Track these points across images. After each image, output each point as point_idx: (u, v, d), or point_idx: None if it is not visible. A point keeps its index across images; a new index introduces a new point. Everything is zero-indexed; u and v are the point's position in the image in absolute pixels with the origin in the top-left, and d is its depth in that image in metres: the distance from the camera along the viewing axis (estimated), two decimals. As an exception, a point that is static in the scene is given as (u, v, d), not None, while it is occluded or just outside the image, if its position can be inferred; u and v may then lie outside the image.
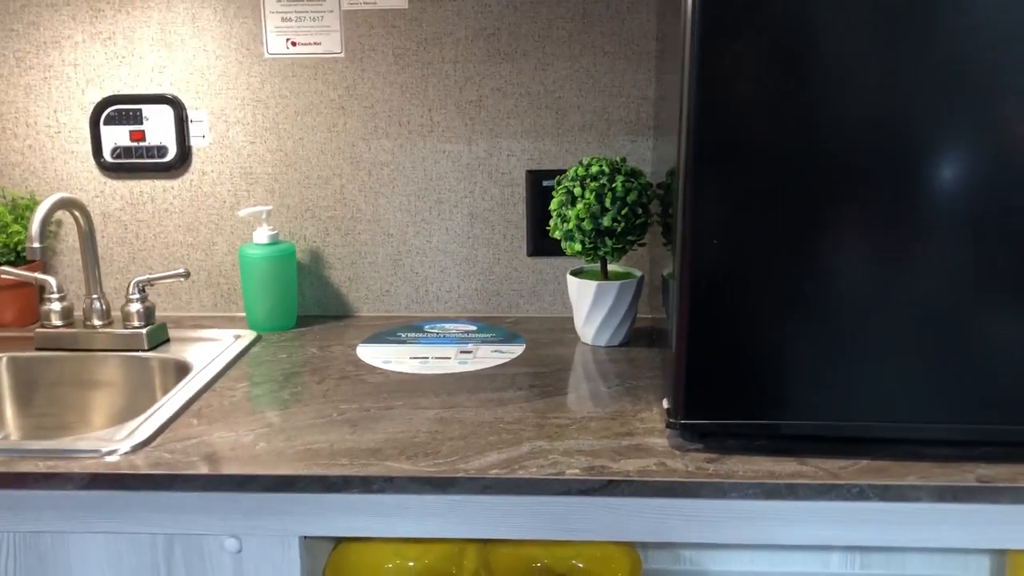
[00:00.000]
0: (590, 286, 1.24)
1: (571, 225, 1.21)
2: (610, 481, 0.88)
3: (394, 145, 1.37)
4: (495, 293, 1.42)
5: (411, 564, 1.12)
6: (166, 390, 1.24)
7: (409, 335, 1.33)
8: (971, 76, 0.82)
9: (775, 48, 0.83)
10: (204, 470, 0.90)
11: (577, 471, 0.89)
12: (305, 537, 0.95)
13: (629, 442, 0.96)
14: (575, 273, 1.29)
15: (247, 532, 0.93)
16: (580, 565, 1.12)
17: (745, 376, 0.90)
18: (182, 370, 1.22)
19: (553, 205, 1.24)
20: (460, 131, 1.36)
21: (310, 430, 1.00)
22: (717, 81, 0.84)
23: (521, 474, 0.89)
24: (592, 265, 1.33)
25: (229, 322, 1.40)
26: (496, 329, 1.35)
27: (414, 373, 1.17)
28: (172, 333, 1.34)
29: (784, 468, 0.89)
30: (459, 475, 0.89)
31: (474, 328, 1.36)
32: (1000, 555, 1.12)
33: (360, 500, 0.92)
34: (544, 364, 1.20)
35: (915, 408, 0.90)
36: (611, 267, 1.32)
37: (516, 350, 1.26)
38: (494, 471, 0.89)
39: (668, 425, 0.94)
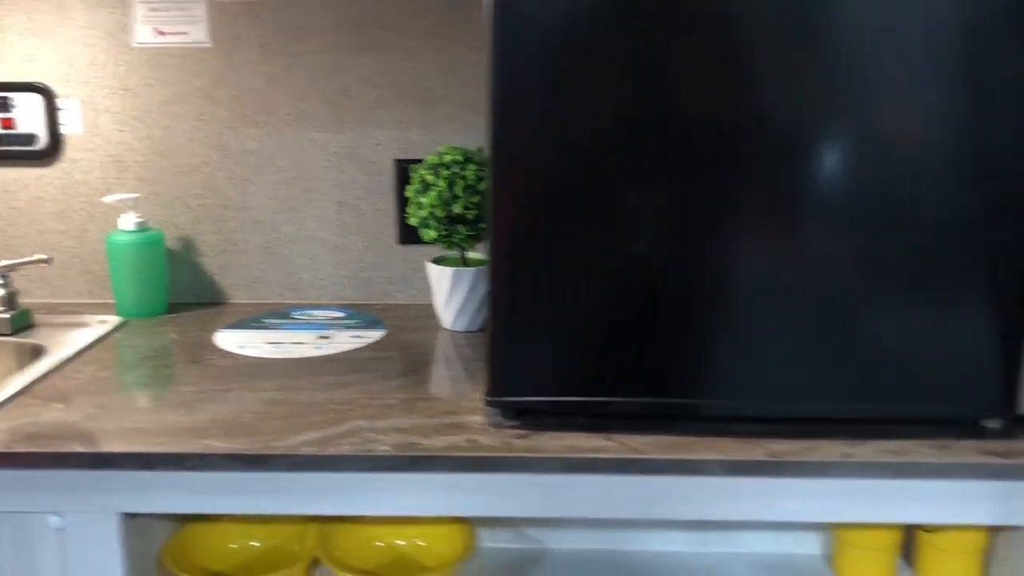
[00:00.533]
0: (447, 272, 1.26)
1: (425, 212, 1.23)
2: (416, 457, 0.91)
3: (262, 134, 1.39)
4: (367, 280, 1.44)
5: (255, 544, 1.14)
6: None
7: (274, 321, 1.35)
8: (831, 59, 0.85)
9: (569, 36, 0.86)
10: (23, 448, 0.92)
11: (387, 448, 0.91)
12: (127, 514, 0.97)
13: (450, 420, 0.98)
14: (437, 260, 1.32)
15: (69, 509, 0.95)
16: (422, 543, 1.14)
17: (558, 355, 0.93)
18: (37, 354, 1.23)
19: (409, 192, 1.26)
20: (328, 120, 1.38)
21: (142, 411, 1.01)
22: (515, 67, 0.87)
23: (331, 451, 0.91)
24: (455, 252, 1.36)
25: (102, 309, 1.41)
26: (363, 316, 1.37)
27: (264, 357, 1.19)
28: (42, 319, 1.35)
29: (589, 443, 0.92)
30: (270, 452, 0.91)
31: (342, 315, 1.38)
32: (827, 530, 1.16)
33: (177, 477, 0.94)
34: (397, 349, 1.23)
35: (727, 385, 0.93)
36: (473, 254, 1.35)
37: (375, 335, 1.28)
38: (306, 449, 0.91)
39: (486, 403, 0.97)
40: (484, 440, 0.93)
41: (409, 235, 1.41)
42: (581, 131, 0.88)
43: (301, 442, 0.93)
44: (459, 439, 0.93)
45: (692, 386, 0.93)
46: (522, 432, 0.95)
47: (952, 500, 0.91)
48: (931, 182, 0.88)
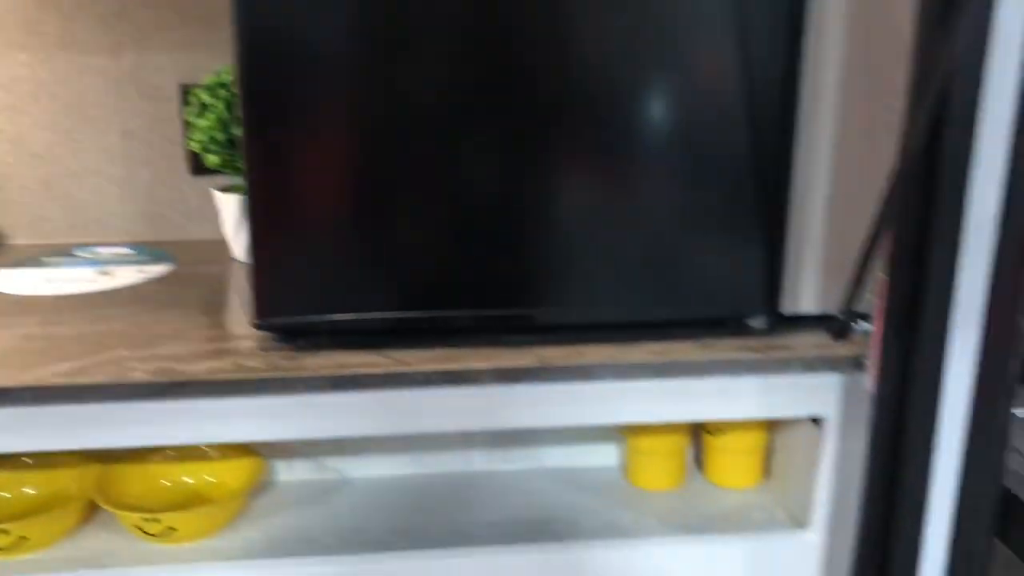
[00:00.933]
0: (232, 199, 1.21)
1: (205, 136, 1.17)
2: (174, 383, 0.87)
3: (32, 59, 1.29)
4: (159, 215, 1.37)
5: (29, 491, 1.08)
6: None
7: (55, 259, 1.26)
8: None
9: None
10: None
11: (144, 374, 0.87)
12: None
13: (220, 347, 0.94)
14: (225, 189, 1.26)
15: None
16: (211, 479, 1.11)
17: (325, 273, 0.90)
18: None
19: (188, 116, 1.19)
20: (104, 44, 1.29)
21: None
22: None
23: (83, 380, 0.86)
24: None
25: None
26: (154, 252, 1.30)
27: (34, 295, 1.11)
28: None
29: (358, 360, 0.90)
30: (15, 385, 0.85)
31: (131, 252, 1.31)
32: (621, 441, 1.18)
33: (-90, 419, 0.87)
34: (182, 282, 1.17)
35: (501, 296, 0.92)
36: (267, 183, 1.29)
37: (160, 270, 1.22)
38: (56, 379, 0.86)
39: (254, 326, 0.93)
40: (249, 363, 0.90)
41: (202, 166, 1.35)
42: (330, 37, 0.84)
43: (52, 373, 0.87)
44: (223, 363, 0.90)
45: (468, 298, 0.92)
46: (292, 354, 0.92)
47: (716, 397, 0.94)
48: (715, 118, 0.89)
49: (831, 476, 0.98)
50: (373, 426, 0.91)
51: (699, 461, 1.19)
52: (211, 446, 1.11)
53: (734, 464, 1.13)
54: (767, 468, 1.15)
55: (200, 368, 0.88)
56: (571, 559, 0.99)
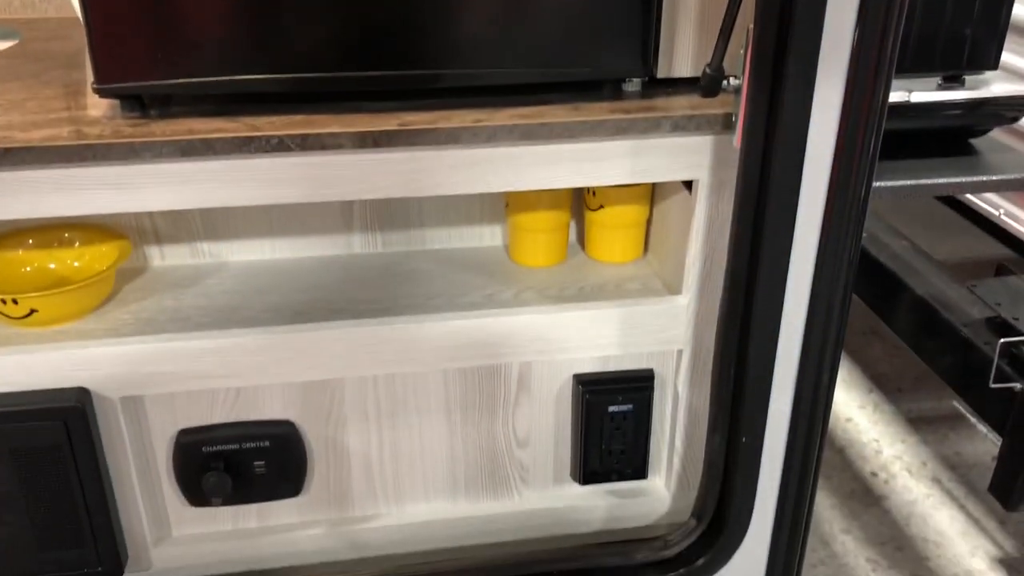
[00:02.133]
0: (77, -33, 1.10)
1: None
2: (7, 149, 0.81)
3: None
4: (3, -10, 1.25)
5: None
6: None
7: None
8: None
9: None
10: None
11: (-27, 143, 0.81)
12: None
13: (62, 116, 0.88)
14: (71, -43, 1.15)
15: None
16: (76, 264, 1.07)
17: (168, 32, 0.84)
18: None
19: None
20: None
21: None
22: None
23: (-96, 150, 0.80)
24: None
25: None
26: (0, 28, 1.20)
27: None
28: None
29: (209, 126, 0.85)
30: None
31: (-26, 29, 1.20)
32: (504, 220, 1.17)
33: None
34: (28, 56, 1.08)
35: (358, 56, 0.87)
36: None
37: (3, 45, 1.12)
38: None
39: (95, 92, 0.87)
40: (91, 130, 0.84)
41: (46, -67, 1.22)
42: None
43: None
44: (63, 131, 0.84)
45: (328, 59, 0.87)
46: (140, 121, 0.87)
47: (587, 162, 0.92)
48: None
49: (701, 240, 0.99)
50: (228, 196, 0.87)
51: (581, 239, 1.19)
52: (73, 231, 1.06)
53: (614, 239, 1.13)
54: (646, 242, 1.16)
55: (37, 135, 0.83)
56: (450, 329, 1.00)
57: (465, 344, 1.01)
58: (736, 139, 0.89)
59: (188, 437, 1.01)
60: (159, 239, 1.11)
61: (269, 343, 0.97)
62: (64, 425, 0.93)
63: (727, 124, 0.91)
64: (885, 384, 1.95)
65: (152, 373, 0.96)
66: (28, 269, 1.05)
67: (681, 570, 1.05)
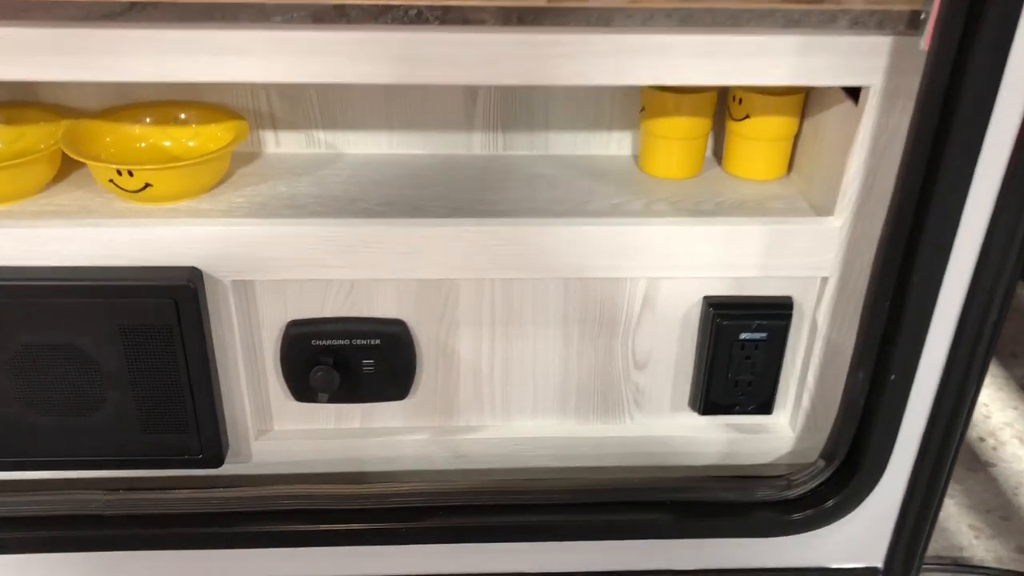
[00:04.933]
0: None
1: None
2: (133, 3, 0.76)
3: None
4: None
5: (-2, 145, 1.01)
6: None
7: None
8: None
9: None
10: None
11: (98, -6, 0.76)
12: None
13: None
14: None
15: None
16: (191, 144, 1.03)
17: None
18: None
19: None
20: None
21: None
22: None
23: (28, -3, 0.75)
24: None
25: None
26: None
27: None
28: None
29: (344, -7, 0.79)
30: (-50, -2, 0.75)
31: None
32: (636, 129, 1.09)
33: None
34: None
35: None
36: None
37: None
38: (-3, -5, 0.75)
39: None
40: (220, -10, 0.79)
41: None
42: None
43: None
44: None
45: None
46: (268, -17, 0.81)
47: (749, 57, 0.83)
48: None
49: (864, 156, 0.89)
50: (356, 72, 0.81)
51: (718, 154, 1.10)
52: (190, 110, 1.02)
53: (757, 153, 1.04)
54: (792, 161, 1.06)
55: (164, -9, 0.78)
56: (574, 235, 0.93)
57: (590, 253, 0.94)
58: (924, 40, 0.79)
59: (298, 329, 0.97)
60: (275, 124, 1.06)
61: (386, 235, 0.91)
62: (174, 304, 0.90)
63: (913, 23, 0.81)
64: (998, 348, 1.82)
65: (265, 258, 0.91)
66: (143, 145, 1.02)
67: (808, 511, 0.98)
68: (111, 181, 0.93)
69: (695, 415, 1.06)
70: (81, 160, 0.92)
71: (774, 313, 0.98)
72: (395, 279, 0.95)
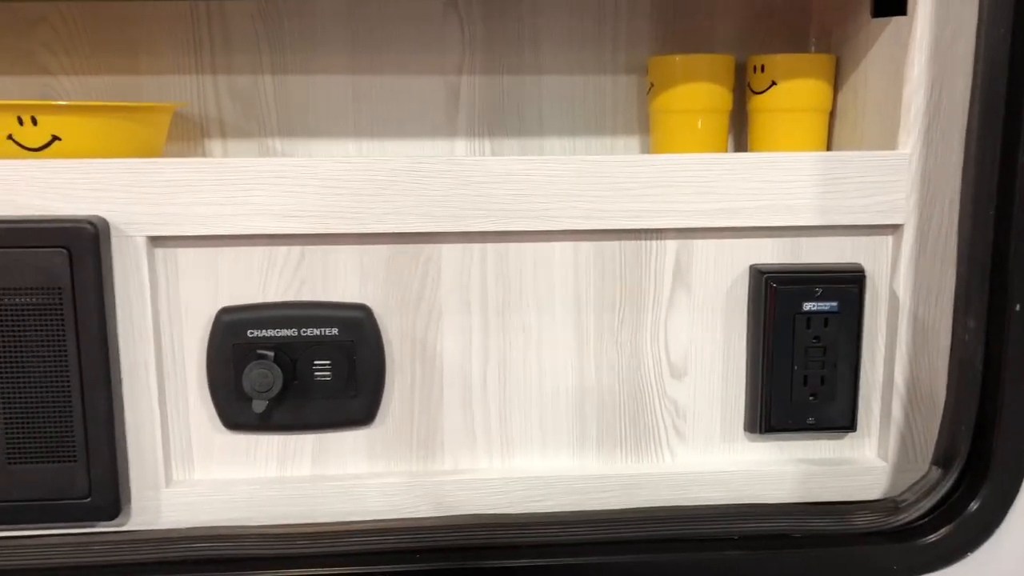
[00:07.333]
0: None
1: None
2: None
3: None
4: None
5: None
6: None
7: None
8: None
9: None
10: None
11: None
12: None
13: None
14: None
15: None
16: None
17: None
18: None
19: None
20: None
21: None
22: None
23: None
24: None
25: None
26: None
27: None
28: None
29: None
30: None
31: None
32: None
33: None
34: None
35: None
36: None
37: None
38: None
39: None
40: None
41: None
42: None
43: None
44: None
45: None
46: None
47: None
48: None
49: (926, 60, 0.73)
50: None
51: (739, 143, 0.95)
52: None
53: (787, 128, 0.89)
54: (829, 140, 0.90)
55: None
56: (582, 170, 0.74)
57: (607, 193, 0.74)
58: None
59: (231, 316, 0.75)
60: (224, 132, 0.91)
61: (345, 173, 0.72)
62: (67, 258, 0.69)
63: None
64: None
65: (189, 203, 0.71)
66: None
67: (927, 538, 0.70)
68: (10, 138, 0.75)
69: (754, 441, 0.80)
70: (-28, 104, 0.75)
71: (843, 277, 0.77)
72: (357, 234, 0.74)
